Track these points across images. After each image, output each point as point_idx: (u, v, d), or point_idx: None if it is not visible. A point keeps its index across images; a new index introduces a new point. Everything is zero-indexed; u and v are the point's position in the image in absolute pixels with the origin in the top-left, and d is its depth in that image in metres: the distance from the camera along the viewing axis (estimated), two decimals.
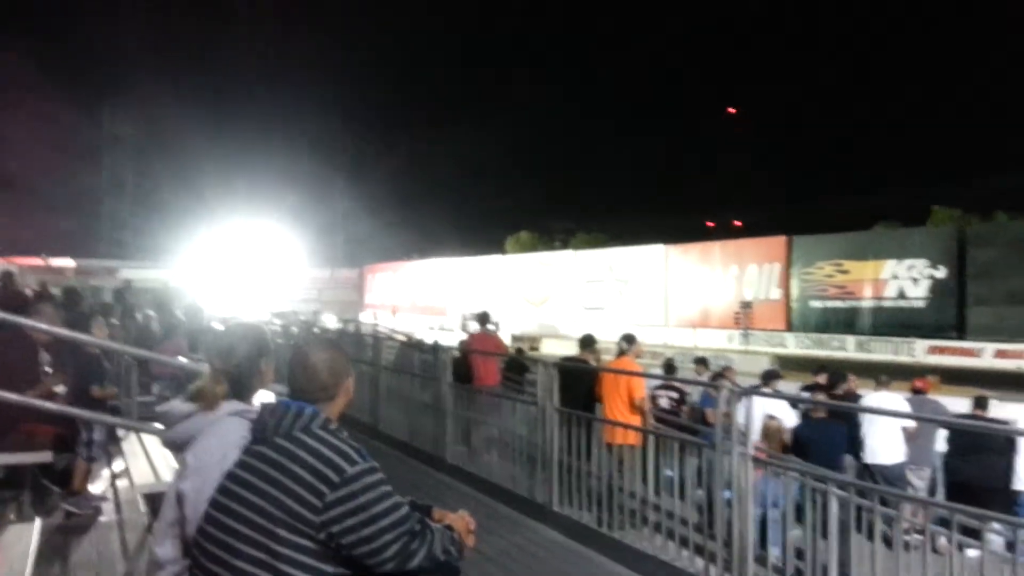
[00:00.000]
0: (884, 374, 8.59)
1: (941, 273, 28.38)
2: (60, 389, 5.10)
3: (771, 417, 6.89)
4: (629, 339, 7.87)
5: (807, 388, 10.52)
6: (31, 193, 49.70)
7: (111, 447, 5.50)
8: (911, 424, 7.53)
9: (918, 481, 7.68)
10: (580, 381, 7.23)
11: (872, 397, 8.12)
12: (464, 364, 9.23)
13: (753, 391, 6.10)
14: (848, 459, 7.21)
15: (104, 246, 58.00)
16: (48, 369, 5.18)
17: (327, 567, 1.95)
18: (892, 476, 7.14)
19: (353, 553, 1.96)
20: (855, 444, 7.41)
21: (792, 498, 4.66)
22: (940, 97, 65.75)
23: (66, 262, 48.98)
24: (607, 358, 9.48)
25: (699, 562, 4.94)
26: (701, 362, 12.11)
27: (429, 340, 11.61)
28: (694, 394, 9.80)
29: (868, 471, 7.24)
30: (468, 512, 2.39)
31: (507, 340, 31.70)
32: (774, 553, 4.97)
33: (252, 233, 52.43)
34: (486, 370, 9.16)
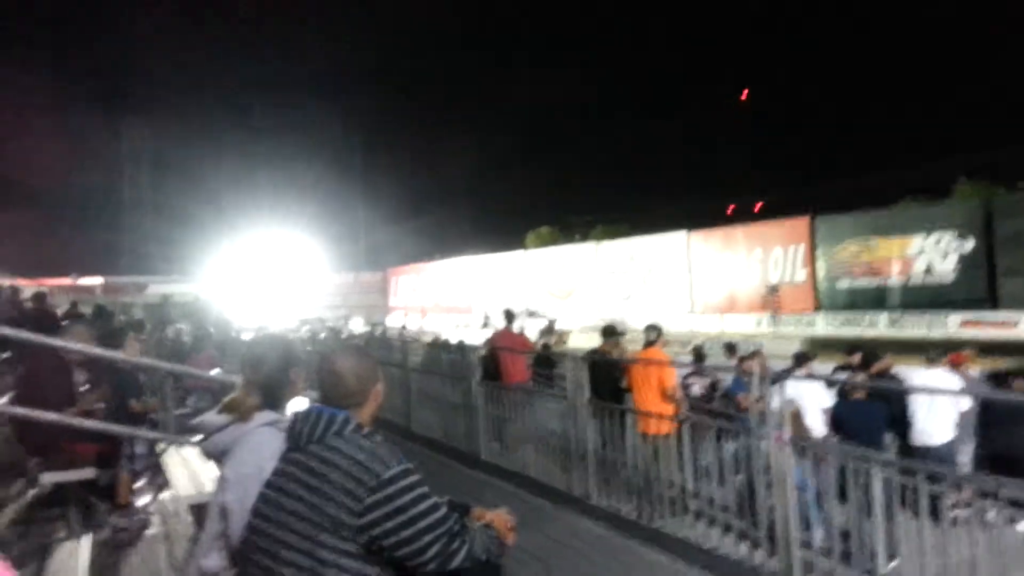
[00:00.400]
0: (932, 350, 8.43)
1: (969, 245, 27.97)
2: (98, 406, 5.16)
3: (788, 402, 6.79)
4: (654, 329, 7.84)
5: (840, 368, 10.40)
6: (56, 212, 50.50)
7: (152, 460, 5.56)
8: (966, 405, 7.39)
9: (962, 457, 7.55)
10: (607, 373, 7.21)
11: (921, 374, 7.98)
12: (492, 362, 9.22)
13: (785, 374, 6.04)
14: (888, 438, 7.10)
15: (129, 261, 58.72)
16: (84, 388, 5.25)
17: (370, 569, 1.96)
18: (942, 455, 7.01)
19: (395, 555, 1.97)
20: (897, 423, 7.29)
21: (834, 480, 4.60)
22: (962, 68, 64.64)
23: (95, 280, 49.67)
24: (633, 347, 9.44)
25: (743, 548, 4.90)
26: (730, 348, 11.98)
27: (455, 340, 11.64)
28: (727, 379, 9.71)
29: (915, 451, 7.11)
30: (507, 509, 2.38)
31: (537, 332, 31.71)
32: (818, 535, 4.92)
33: (275, 242, 52.91)
34: (514, 367, 9.15)
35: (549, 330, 8.62)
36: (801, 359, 8.55)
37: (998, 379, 7.84)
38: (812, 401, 6.71)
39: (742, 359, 9.25)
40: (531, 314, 35.77)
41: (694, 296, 36.69)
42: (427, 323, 42.79)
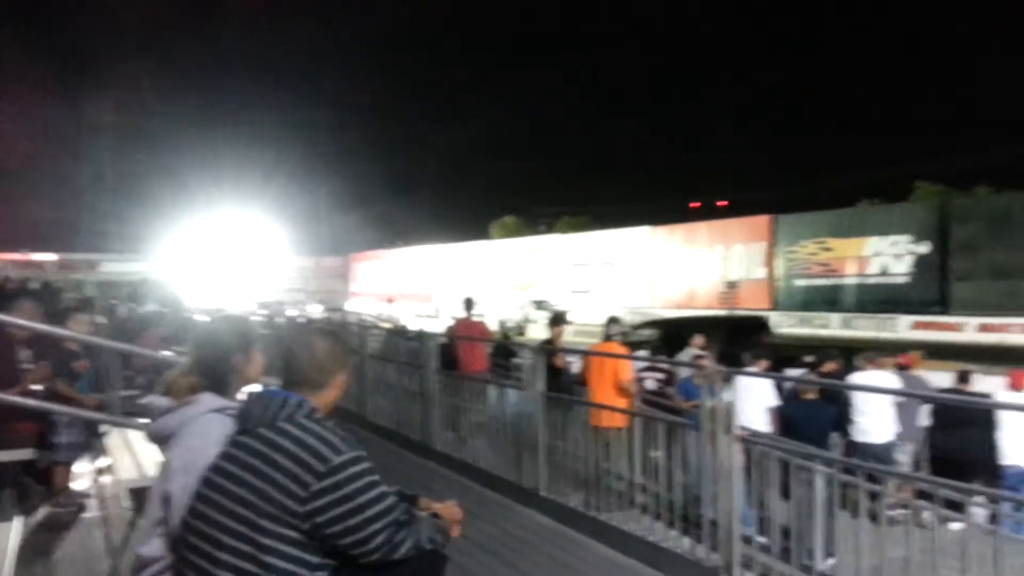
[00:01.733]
0: (870, 352, 8.61)
1: (924, 248, 28.58)
2: (38, 387, 5.05)
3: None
4: (614, 322, 7.92)
5: (792, 366, 10.57)
6: (9, 185, 49.10)
7: (93, 442, 5.45)
8: (903, 401, 7.56)
9: (902, 456, 7.74)
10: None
11: (861, 376, 8.16)
12: (451, 351, 9.21)
13: (736, 372, 6.12)
14: (834, 437, 7.25)
15: (84, 238, 57.46)
16: (27, 366, 5.13)
17: (312, 558, 1.94)
18: (881, 454, 7.18)
19: (338, 543, 1.95)
20: (843, 423, 7.44)
21: (777, 477, 4.69)
22: (921, 73, 65.93)
23: (48, 256, 48.52)
24: (592, 341, 9.51)
25: (686, 542, 4.97)
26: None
27: (414, 327, 11.59)
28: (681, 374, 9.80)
29: (856, 449, 7.28)
30: (456, 502, 2.38)
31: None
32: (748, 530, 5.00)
33: (236, 223, 52.11)
34: (472, 356, 9.15)
35: (558, 320, 8.69)
36: (757, 355, 8.66)
37: (963, 379, 8.03)
38: (758, 398, 6.80)
39: (697, 357, 9.34)
40: (539, 305, 35.74)
41: (655, 290, 36.99)
42: (389, 310, 42.57)
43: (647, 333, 15.78)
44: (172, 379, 2.35)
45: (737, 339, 12.88)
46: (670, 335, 13.93)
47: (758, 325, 16.06)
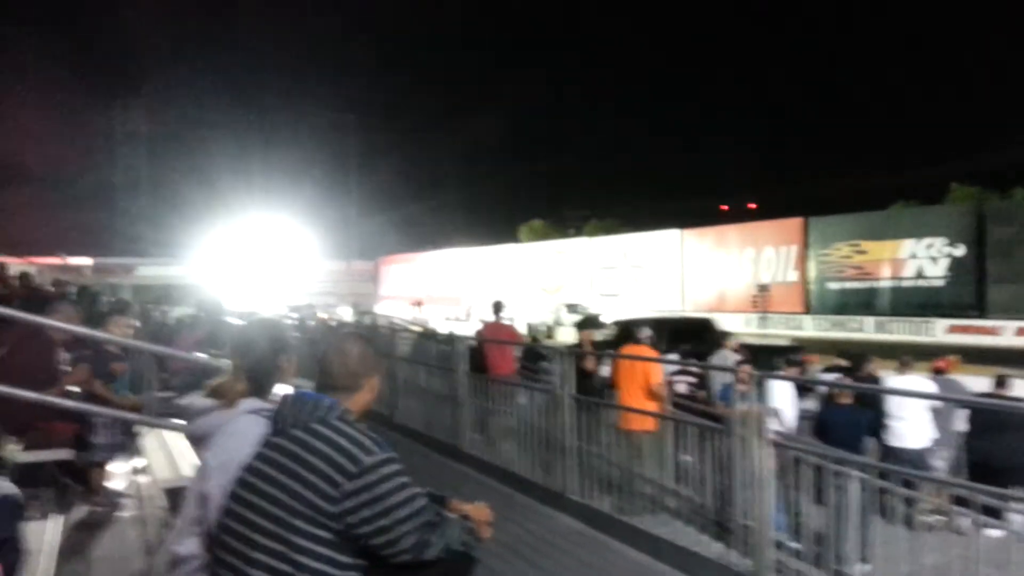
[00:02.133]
0: (906, 355, 8.47)
1: (960, 251, 28.09)
2: (76, 388, 5.14)
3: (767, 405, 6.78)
4: (645, 325, 7.89)
5: (828, 371, 10.44)
6: (47, 191, 50.15)
7: (128, 443, 5.54)
8: (938, 405, 7.44)
9: (938, 462, 7.60)
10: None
11: (896, 380, 8.03)
12: (480, 354, 9.23)
13: (769, 375, 6.06)
14: (871, 442, 7.14)
15: (121, 242, 58.43)
16: (67, 368, 5.23)
17: (344, 557, 1.95)
18: (917, 459, 7.06)
19: (370, 543, 1.96)
20: (878, 428, 7.33)
21: (811, 482, 4.63)
22: (957, 74, 64.86)
23: (84, 260, 49.38)
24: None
25: (717, 547, 4.93)
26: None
27: (445, 330, 11.63)
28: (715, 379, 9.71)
29: (892, 454, 7.17)
30: (485, 503, 2.38)
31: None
32: (782, 536, 4.95)
33: (267, 227, 52.67)
34: (501, 359, 9.16)
35: (587, 323, 8.74)
36: (791, 362, 8.56)
37: (1001, 384, 7.87)
38: (785, 402, 6.74)
39: (740, 362, 9.25)
40: (572, 308, 35.75)
41: (685, 294, 36.76)
42: (419, 313, 42.72)
43: (606, 333, 17.04)
44: (224, 384, 2.37)
45: (681, 340, 13.69)
46: (623, 335, 15.10)
47: (702, 327, 17.07)
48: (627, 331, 16.78)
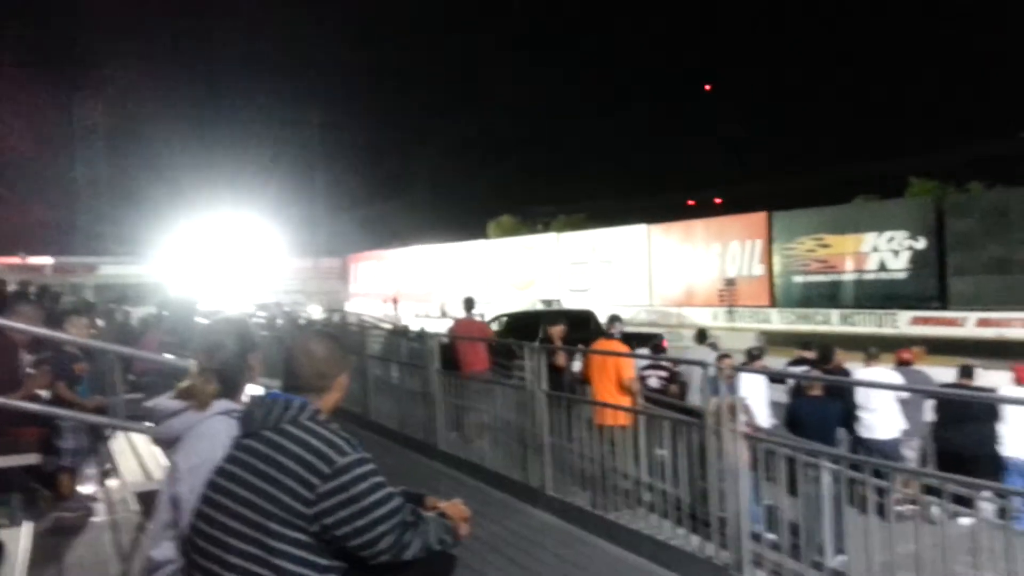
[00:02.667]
0: (873, 347, 8.61)
1: (921, 244, 28.62)
2: (44, 392, 5.02)
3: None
4: (614, 319, 7.90)
5: (794, 363, 10.58)
6: (5, 189, 49.01)
7: (99, 446, 5.43)
8: (906, 396, 7.56)
9: (909, 452, 7.74)
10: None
11: (864, 372, 8.15)
12: (452, 350, 9.20)
13: (742, 368, 6.11)
14: (841, 433, 7.25)
15: (81, 240, 57.32)
16: (29, 370, 5.10)
17: (321, 559, 1.93)
18: (888, 450, 7.17)
19: (347, 545, 1.94)
20: (849, 419, 7.44)
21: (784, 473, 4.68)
22: (910, 67, 66.05)
23: (44, 260, 48.43)
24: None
25: (695, 540, 4.95)
26: (701, 336, 11.84)
27: (415, 327, 11.58)
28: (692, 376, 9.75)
29: (863, 446, 7.27)
30: (462, 500, 2.37)
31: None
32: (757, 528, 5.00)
33: (233, 225, 52.05)
34: (474, 356, 9.14)
35: (555, 318, 8.80)
36: (753, 355, 8.68)
37: (966, 374, 8.03)
38: (758, 395, 6.81)
39: (721, 356, 9.32)
40: (549, 304, 35.77)
41: (653, 288, 37.01)
42: (393, 310, 42.51)
43: (496, 325, 18.19)
44: (196, 386, 2.32)
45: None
46: (513, 326, 17.73)
47: (586, 317, 18.41)
48: (515, 324, 17.72)
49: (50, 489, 4.80)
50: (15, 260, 43.03)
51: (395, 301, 45.93)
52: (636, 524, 5.38)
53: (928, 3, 70.40)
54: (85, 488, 5.02)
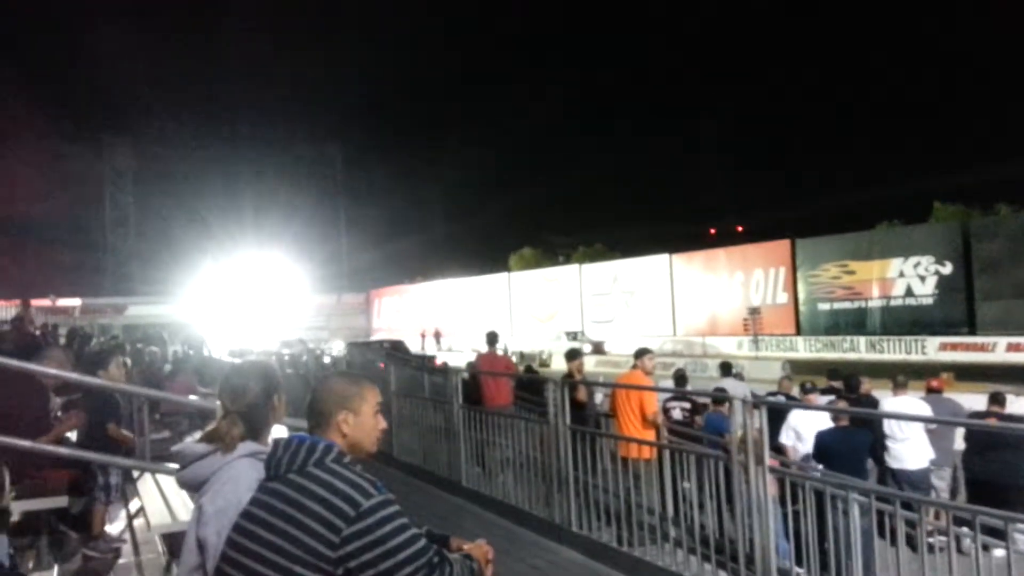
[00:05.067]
0: (901, 375, 8.49)
1: (947, 269, 28.30)
2: (72, 435, 5.09)
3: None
4: (640, 353, 7.84)
5: (823, 391, 10.44)
6: (35, 232, 49.99)
7: (127, 487, 5.48)
8: (940, 431, 7.43)
9: (939, 482, 7.59)
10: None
11: (892, 401, 8.03)
12: (475, 385, 9.19)
13: (766, 401, 6.05)
14: (869, 463, 7.14)
15: (110, 281, 58.17)
16: (59, 414, 5.18)
17: None
18: (917, 480, 7.05)
19: None
20: (878, 449, 7.33)
21: (812, 506, 4.62)
22: (934, 90, 65.84)
23: (73, 301, 49.11)
24: (601, 369, 9.45)
25: None
26: (725, 368, 11.69)
27: (439, 362, 11.59)
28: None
29: (892, 475, 7.15)
30: (486, 540, 2.37)
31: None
32: (784, 563, 4.92)
33: (257, 264, 52.63)
34: (497, 390, 9.12)
35: (574, 354, 8.69)
36: (806, 389, 8.56)
37: (996, 401, 7.89)
38: (813, 427, 6.76)
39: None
40: (574, 336, 35.76)
41: (676, 318, 36.82)
42: (441, 347, 42.55)
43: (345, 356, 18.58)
44: (222, 429, 2.35)
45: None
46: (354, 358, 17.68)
47: (397, 347, 20.73)
48: (356, 353, 18.40)
49: (79, 530, 4.85)
50: (45, 302, 43.64)
51: (437, 336, 45.82)
52: (663, 560, 5.31)
53: (948, 25, 70.28)
54: (113, 528, 5.07)
